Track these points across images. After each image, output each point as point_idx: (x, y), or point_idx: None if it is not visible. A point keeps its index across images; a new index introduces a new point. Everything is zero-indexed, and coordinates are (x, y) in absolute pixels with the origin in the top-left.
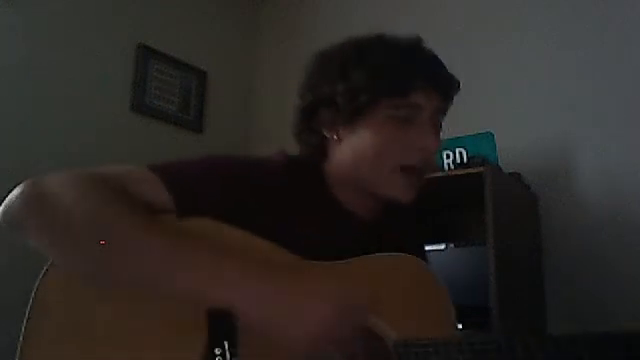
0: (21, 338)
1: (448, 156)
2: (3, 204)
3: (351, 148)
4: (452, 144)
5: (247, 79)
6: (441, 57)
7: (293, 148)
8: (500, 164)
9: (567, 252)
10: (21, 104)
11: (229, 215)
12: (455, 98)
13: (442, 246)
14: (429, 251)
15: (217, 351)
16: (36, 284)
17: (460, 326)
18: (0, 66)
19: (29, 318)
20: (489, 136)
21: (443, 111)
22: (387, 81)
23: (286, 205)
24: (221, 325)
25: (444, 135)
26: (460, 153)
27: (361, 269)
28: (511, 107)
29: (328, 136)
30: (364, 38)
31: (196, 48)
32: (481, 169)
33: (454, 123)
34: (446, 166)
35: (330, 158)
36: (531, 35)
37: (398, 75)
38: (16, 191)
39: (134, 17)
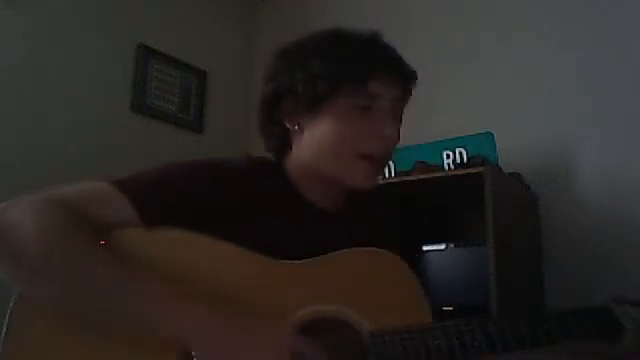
0: None
1: (448, 156)
2: None
3: (312, 137)
4: (452, 144)
5: (247, 79)
6: (441, 57)
7: None
8: (500, 164)
9: (567, 252)
10: (21, 104)
11: (197, 223)
12: (455, 98)
13: (442, 246)
14: (429, 251)
15: None
16: (10, 304)
17: None
18: (0, 66)
19: (6, 335)
20: (489, 136)
21: (402, 102)
22: (346, 69)
23: (253, 208)
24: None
25: (444, 135)
26: (460, 153)
27: (334, 266)
28: (511, 107)
29: (289, 127)
30: (324, 31)
31: (196, 48)
32: (481, 169)
33: (454, 123)
34: (446, 166)
35: (292, 150)
36: (531, 35)
37: (356, 63)
38: None
39: (134, 17)
